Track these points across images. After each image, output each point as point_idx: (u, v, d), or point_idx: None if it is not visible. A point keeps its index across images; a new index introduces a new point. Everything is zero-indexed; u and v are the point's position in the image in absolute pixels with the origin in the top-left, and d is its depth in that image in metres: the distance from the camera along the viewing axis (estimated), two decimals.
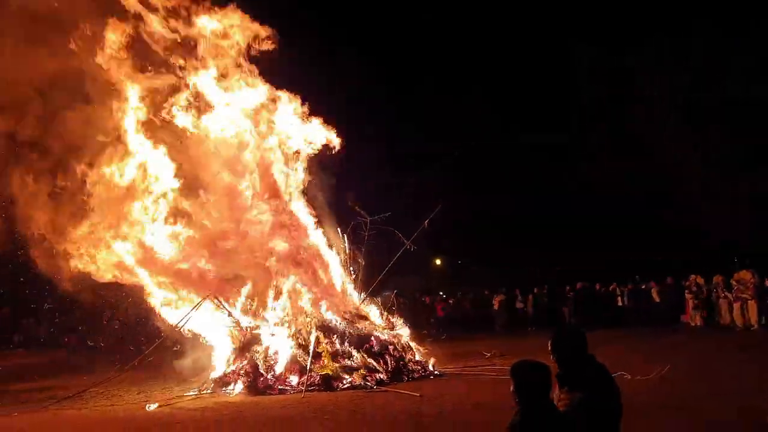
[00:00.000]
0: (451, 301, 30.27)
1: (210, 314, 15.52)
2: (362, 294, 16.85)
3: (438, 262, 40.08)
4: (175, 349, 16.63)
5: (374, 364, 14.42)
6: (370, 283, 17.13)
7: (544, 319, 26.58)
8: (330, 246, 16.96)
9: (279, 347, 14.71)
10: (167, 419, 11.73)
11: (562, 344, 4.64)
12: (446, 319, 29.68)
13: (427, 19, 35.52)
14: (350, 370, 14.18)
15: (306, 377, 13.84)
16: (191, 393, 14.29)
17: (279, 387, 14.00)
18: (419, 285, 31.28)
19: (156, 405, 12.98)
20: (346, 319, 15.52)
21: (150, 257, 15.52)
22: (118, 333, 17.89)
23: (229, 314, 15.50)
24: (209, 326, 15.64)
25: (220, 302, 15.52)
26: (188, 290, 15.60)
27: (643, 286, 25.97)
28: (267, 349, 14.74)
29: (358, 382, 13.86)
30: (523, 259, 32.51)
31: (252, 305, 15.60)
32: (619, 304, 26.60)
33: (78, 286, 16.01)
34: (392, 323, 16.33)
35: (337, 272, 16.78)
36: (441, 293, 31.63)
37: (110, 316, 19.89)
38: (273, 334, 14.95)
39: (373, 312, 16.51)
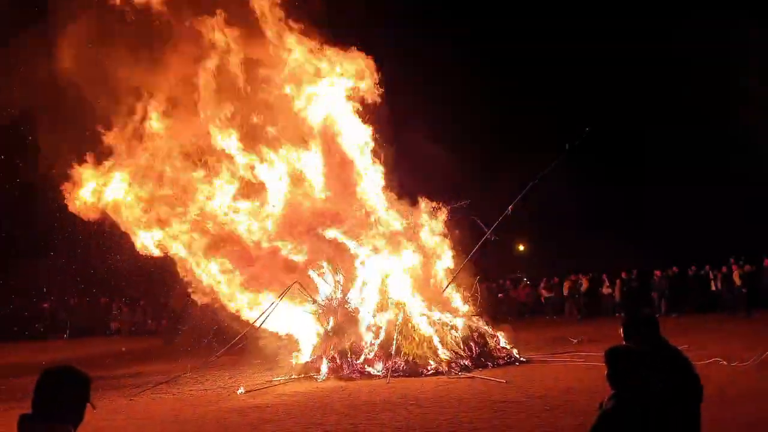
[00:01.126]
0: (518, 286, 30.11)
1: (296, 300, 15.79)
2: (446, 280, 16.76)
3: (521, 247, 39.52)
4: (260, 337, 16.95)
5: (459, 350, 14.39)
6: (453, 269, 17.00)
7: (632, 305, 25.85)
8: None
9: (365, 333, 14.83)
10: (257, 403, 12.04)
11: (633, 330, 4.52)
12: (530, 304, 29.55)
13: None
14: (435, 357, 14.19)
15: (391, 363, 13.93)
16: (280, 378, 14.60)
17: (365, 372, 14.14)
18: (503, 270, 31.05)
19: (246, 390, 13.35)
20: (430, 305, 15.52)
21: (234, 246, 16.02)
22: (204, 321, 18.39)
23: (314, 301, 15.74)
24: (295, 312, 15.90)
25: (305, 289, 15.76)
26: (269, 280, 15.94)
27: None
28: (353, 335, 14.88)
29: (442, 369, 13.86)
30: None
31: (337, 292, 15.75)
32: (713, 288, 25.55)
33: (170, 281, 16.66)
34: (476, 309, 16.23)
35: (419, 259, 16.75)
36: (525, 279, 31.19)
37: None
38: (359, 320, 15.08)
39: (457, 298, 16.43)
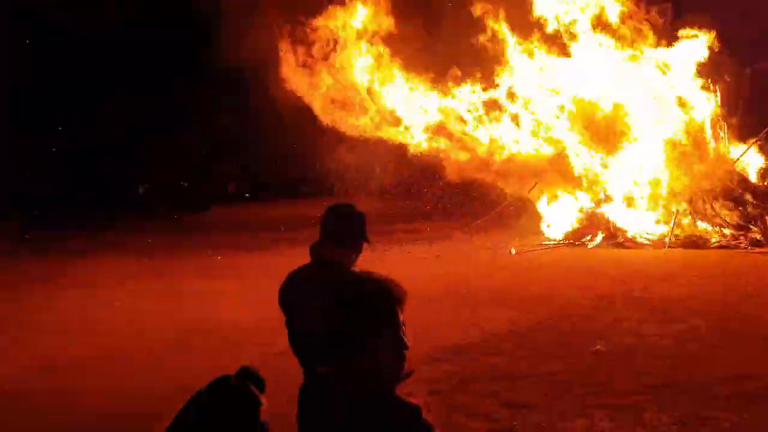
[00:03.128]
0: None
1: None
2: (737, 148, 15.09)
3: None
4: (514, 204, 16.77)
5: (749, 223, 13.15)
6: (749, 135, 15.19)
7: None
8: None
9: (641, 201, 14.13)
10: (527, 263, 12.24)
11: None
12: None
13: None
14: (720, 229, 13.15)
15: (670, 234, 13.18)
16: (548, 242, 14.57)
17: (639, 242, 13.60)
18: None
19: (515, 250, 13.58)
20: (715, 176, 14.21)
21: None
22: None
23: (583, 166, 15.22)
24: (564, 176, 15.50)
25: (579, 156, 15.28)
26: None
27: None
28: (627, 201, 14.27)
29: (728, 242, 12.81)
30: None
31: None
32: None
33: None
34: None
35: (707, 125, 15.20)
36: None
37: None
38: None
39: (751, 167, 14.76)
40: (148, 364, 6.70)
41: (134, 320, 8.72)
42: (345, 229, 3.11)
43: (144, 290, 10.82)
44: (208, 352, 7.03)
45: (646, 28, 14.75)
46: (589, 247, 13.91)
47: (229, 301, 9.73)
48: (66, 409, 5.48)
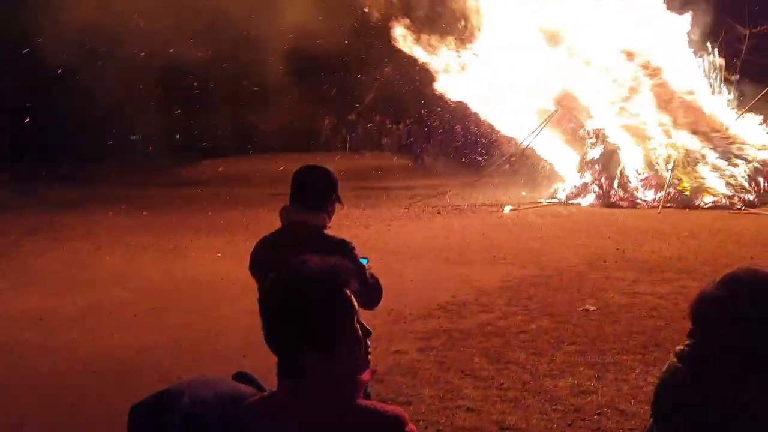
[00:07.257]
0: None
1: (556, 125, 15.37)
2: (735, 112, 15.03)
3: None
4: (512, 161, 16.84)
5: (743, 184, 13.17)
6: (746, 102, 15.16)
7: None
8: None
9: (634, 161, 14.11)
10: (521, 221, 12.26)
11: None
12: None
13: None
14: (714, 189, 13.16)
15: (664, 193, 13.19)
16: (543, 201, 14.60)
17: (633, 202, 13.61)
18: None
19: (510, 208, 13.59)
20: (710, 137, 14.19)
21: None
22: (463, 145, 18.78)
23: (582, 126, 15.19)
24: (554, 138, 15.53)
25: (571, 113, 15.22)
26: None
27: None
28: (621, 162, 14.24)
29: (722, 202, 12.84)
30: None
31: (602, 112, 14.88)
32: None
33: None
34: None
35: (703, 89, 15.08)
36: None
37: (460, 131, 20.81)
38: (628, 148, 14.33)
39: (748, 130, 14.68)
40: (141, 319, 6.73)
41: (128, 274, 8.74)
42: (316, 192, 2.99)
43: (140, 244, 10.82)
44: (202, 307, 7.08)
45: None
46: (583, 205, 13.94)
47: (223, 256, 9.74)
48: (53, 363, 5.52)
